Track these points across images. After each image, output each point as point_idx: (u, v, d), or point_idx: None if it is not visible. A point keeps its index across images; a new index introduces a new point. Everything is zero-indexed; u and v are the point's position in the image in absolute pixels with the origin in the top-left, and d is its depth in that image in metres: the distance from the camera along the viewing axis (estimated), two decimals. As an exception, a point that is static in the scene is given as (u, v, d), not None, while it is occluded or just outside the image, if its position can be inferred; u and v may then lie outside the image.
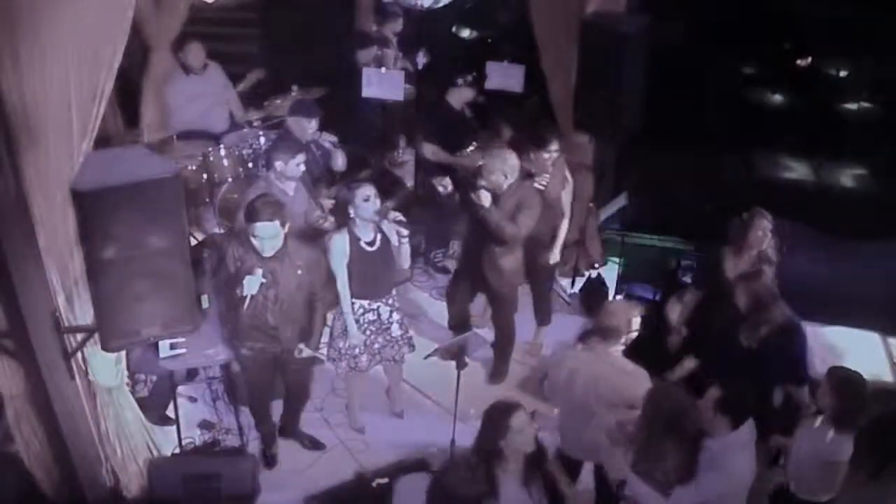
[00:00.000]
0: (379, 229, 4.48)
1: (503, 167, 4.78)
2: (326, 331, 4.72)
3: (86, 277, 3.53)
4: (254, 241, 4.08)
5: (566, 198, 5.40)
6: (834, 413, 3.67)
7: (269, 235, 4.06)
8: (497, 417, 3.40)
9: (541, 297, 5.70)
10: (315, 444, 4.98)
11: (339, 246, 4.45)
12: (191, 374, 5.21)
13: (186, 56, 6.40)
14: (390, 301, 4.70)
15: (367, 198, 4.36)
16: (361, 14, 7.82)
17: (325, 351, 4.87)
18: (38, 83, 3.18)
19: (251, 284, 4.10)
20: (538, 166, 5.16)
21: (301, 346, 4.43)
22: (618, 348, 3.91)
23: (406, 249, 4.54)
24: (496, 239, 4.87)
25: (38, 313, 3.45)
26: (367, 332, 4.64)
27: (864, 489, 4.19)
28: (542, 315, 5.75)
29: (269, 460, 4.85)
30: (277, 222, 4.06)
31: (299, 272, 4.24)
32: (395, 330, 4.73)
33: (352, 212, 4.42)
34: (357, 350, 4.64)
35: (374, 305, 4.62)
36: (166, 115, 6.51)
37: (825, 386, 3.72)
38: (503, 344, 5.46)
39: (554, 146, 5.14)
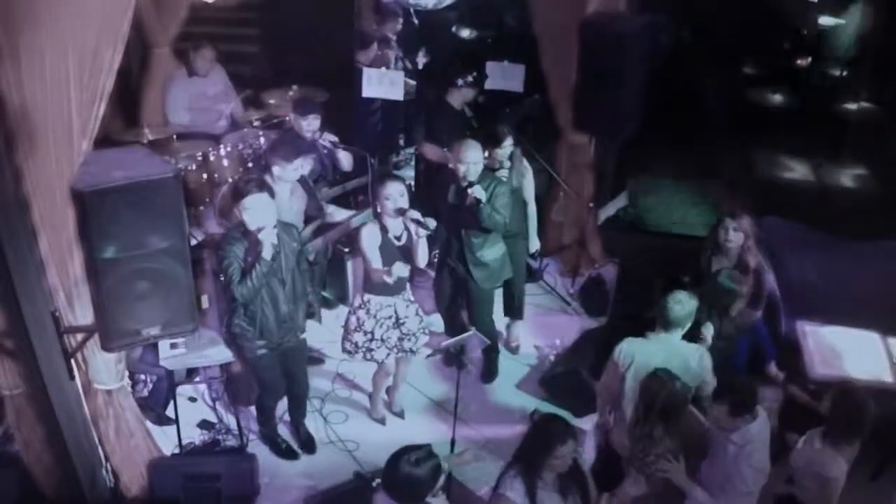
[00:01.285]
0: (406, 225, 4.51)
1: (477, 154, 4.80)
2: (339, 328, 4.77)
3: (86, 277, 3.54)
4: (245, 215, 4.09)
5: (528, 185, 5.45)
6: (827, 423, 3.68)
7: (259, 207, 4.07)
8: (546, 439, 3.40)
9: (516, 291, 5.66)
10: (310, 443, 4.96)
11: (370, 235, 4.50)
12: (191, 374, 5.21)
13: (196, 61, 6.44)
14: (405, 296, 4.74)
15: (388, 196, 4.41)
16: (361, 14, 7.82)
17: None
18: (38, 83, 3.18)
19: (267, 237, 4.08)
20: (496, 162, 5.19)
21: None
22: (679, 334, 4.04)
23: (423, 247, 4.54)
24: (483, 227, 4.87)
25: (38, 313, 3.45)
26: (384, 327, 4.67)
27: (864, 489, 4.18)
28: (516, 310, 5.73)
29: (289, 451, 4.86)
30: (266, 194, 4.10)
31: (294, 245, 4.31)
32: (412, 323, 4.77)
33: (378, 206, 4.47)
34: (374, 343, 4.68)
35: (390, 302, 4.65)
36: (167, 115, 6.52)
37: (829, 393, 3.74)
38: (489, 345, 5.42)
39: (508, 142, 5.17)
